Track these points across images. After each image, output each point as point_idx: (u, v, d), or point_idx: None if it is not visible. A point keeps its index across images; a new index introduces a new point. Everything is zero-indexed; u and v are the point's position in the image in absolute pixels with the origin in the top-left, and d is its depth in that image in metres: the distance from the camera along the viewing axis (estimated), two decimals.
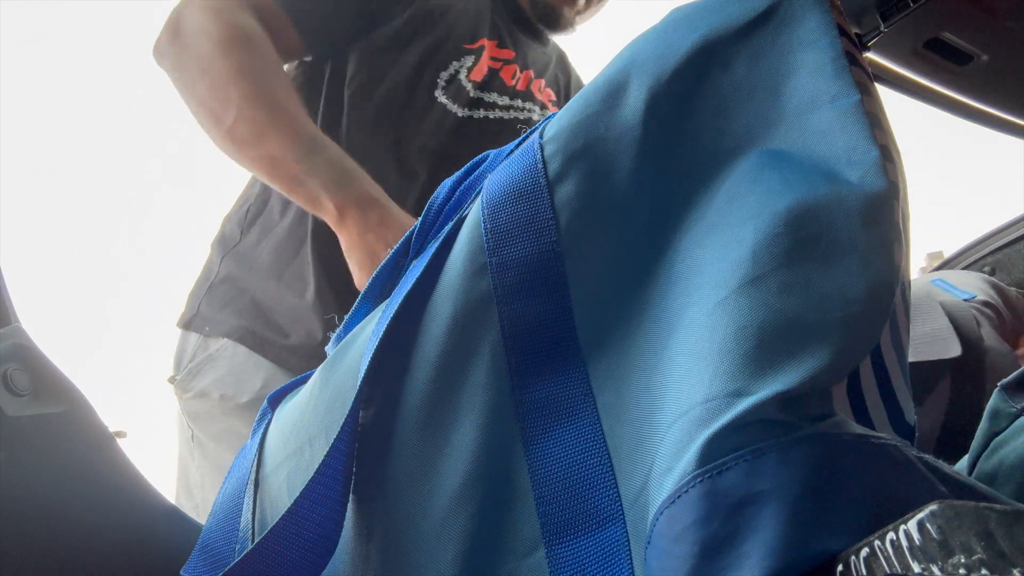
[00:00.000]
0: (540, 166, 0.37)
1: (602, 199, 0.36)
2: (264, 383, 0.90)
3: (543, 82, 1.10)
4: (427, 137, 0.96)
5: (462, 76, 0.98)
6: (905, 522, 0.21)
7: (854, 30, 1.17)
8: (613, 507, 0.32)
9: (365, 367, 0.39)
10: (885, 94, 1.31)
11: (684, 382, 0.29)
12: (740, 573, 0.24)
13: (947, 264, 1.70)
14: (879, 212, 0.31)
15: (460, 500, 0.36)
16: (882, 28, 1.12)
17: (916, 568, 0.20)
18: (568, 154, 0.37)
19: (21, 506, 0.47)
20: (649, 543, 0.28)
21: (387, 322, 0.40)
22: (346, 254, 0.80)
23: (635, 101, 0.36)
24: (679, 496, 0.26)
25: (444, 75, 0.97)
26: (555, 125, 0.38)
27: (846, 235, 0.30)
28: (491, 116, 1.00)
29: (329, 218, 0.79)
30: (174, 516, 0.57)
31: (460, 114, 0.97)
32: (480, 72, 0.99)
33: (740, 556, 0.24)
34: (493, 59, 1.01)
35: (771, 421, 0.26)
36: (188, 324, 0.97)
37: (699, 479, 0.26)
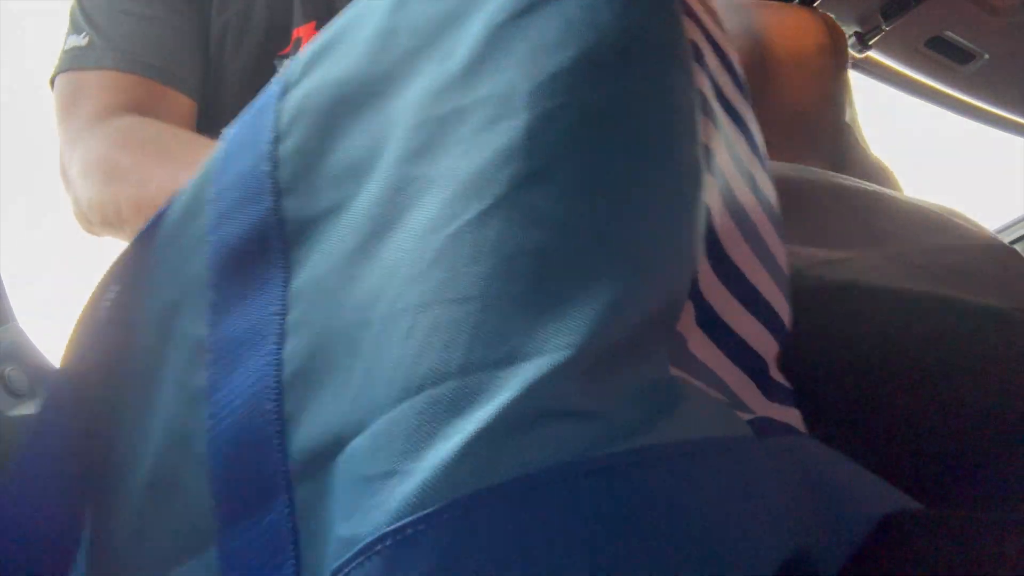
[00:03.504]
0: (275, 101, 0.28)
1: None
2: None
3: None
4: None
5: None
6: None
7: (855, 29, 1.16)
8: (277, 474, 0.22)
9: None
10: (886, 93, 1.31)
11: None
12: None
13: None
14: None
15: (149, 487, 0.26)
16: (884, 27, 1.12)
17: None
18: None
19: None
20: None
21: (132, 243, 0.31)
22: None
23: None
24: (375, 552, 0.17)
25: None
26: None
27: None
28: None
29: None
30: None
31: None
32: None
33: None
34: None
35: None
36: None
37: (414, 532, 0.17)
